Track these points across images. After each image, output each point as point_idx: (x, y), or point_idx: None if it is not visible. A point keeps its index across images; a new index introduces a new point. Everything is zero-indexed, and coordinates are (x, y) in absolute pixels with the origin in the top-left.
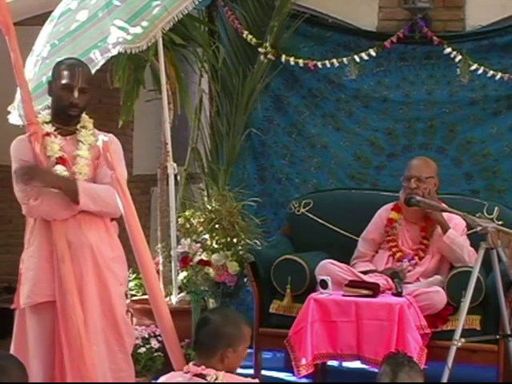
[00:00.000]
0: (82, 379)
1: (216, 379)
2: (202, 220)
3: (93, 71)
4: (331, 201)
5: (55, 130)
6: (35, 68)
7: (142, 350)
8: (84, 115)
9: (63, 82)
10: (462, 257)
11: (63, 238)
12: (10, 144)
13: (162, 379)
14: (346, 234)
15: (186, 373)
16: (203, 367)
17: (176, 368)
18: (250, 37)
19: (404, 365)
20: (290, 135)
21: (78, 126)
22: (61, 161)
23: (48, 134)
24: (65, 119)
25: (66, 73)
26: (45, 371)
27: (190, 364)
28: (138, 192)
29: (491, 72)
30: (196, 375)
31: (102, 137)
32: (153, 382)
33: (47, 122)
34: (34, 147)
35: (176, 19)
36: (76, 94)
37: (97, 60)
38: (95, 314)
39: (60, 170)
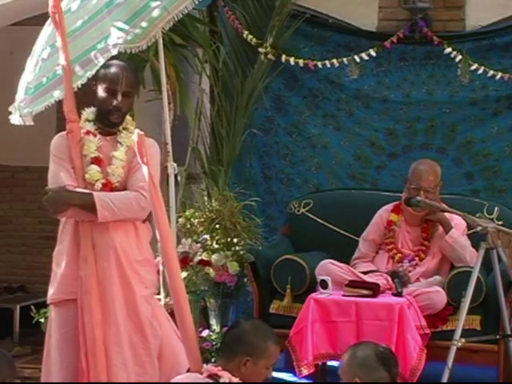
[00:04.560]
0: (93, 379)
1: (229, 382)
2: (202, 220)
3: (93, 71)
4: (331, 201)
5: (97, 129)
6: (35, 69)
7: None
8: (128, 117)
9: (107, 85)
10: (464, 256)
11: (88, 239)
12: (10, 144)
13: (176, 379)
14: (346, 233)
15: (202, 373)
16: (220, 368)
17: (192, 369)
18: (250, 37)
19: (394, 359)
20: (291, 135)
21: (120, 128)
22: (96, 161)
23: (88, 133)
24: (107, 124)
25: (110, 76)
26: (67, 369)
27: (209, 364)
28: None
29: (491, 72)
30: (210, 375)
31: (138, 130)
32: (161, 382)
33: (89, 120)
34: (69, 145)
35: (176, 19)
36: (119, 97)
37: (97, 60)
38: (119, 315)
39: (94, 169)
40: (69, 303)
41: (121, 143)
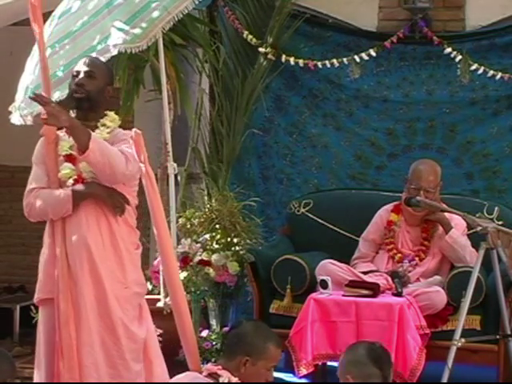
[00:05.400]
0: (62, 379)
1: (228, 381)
2: (202, 220)
3: None
4: (331, 201)
5: None
6: (35, 70)
7: None
8: (111, 115)
9: (74, 70)
10: (464, 257)
11: (61, 237)
12: (10, 144)
13: (175, 378)
14: (346, 233)
15: (202, 373)
16: (219, 367)
17: (191, 368)
18: (250, 37)
19: (387, 356)
20: (291, 135)
21: (99, 124)
22: (69, 158)
23: (65, 133)
24: (76, 107)
25: (76, 65)
26: (47, 369)
27: (209, 363)
28: (138, 192)
29: (491, 72)
30: (210, 374)
31: (135, 129)
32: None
33: None
34: (43, 147)
35: (176, 19)
36: (81, 75)
37: None
38: (90, 315)
39: (66, 167)
40: (48, 302)
41: None
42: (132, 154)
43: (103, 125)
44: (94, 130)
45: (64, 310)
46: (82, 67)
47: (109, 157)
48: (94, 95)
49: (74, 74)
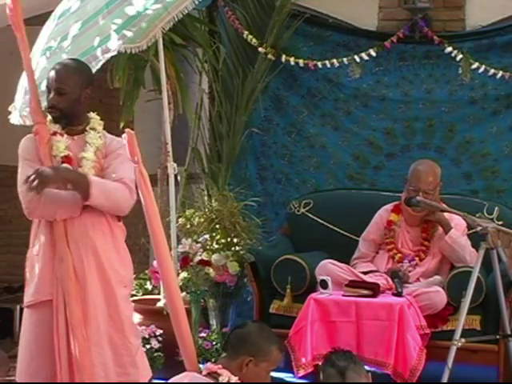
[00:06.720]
0: (74, 379)
1: (228, 381)
2: (202, 220)
3: (93, 71)
4: (331, 201)
5: (63, 129)
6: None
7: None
8: (95, 116)
9: (46, 84)
10: (464, 257)
11: (63, 239)
12: (10, 144)
13: (174, 378)
14: (346, 233)
15: (201, 372)
16: (220, 366)
17: (188, 368)
18: (250, 37)
19: (348, 362)
20: (290, 135)
21: (88, 127)
22: (66, 160)
23: (55, 134)
24: (56, 122)
25: (48, 75)
26: (45, 370)
27: (209, 363)
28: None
29: (492, 71)
30: (210, 373)
31: (128, 130)
32: (156, 381)
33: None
34: (37, 147)
35: (176, 19)
36: (51, 95)
37: (97, 60)
38: (99, 315)
39: None
40: (45, 304)
41: (89, 144)
42: (131, 178)
43: (92, 128)
44: (82, 133)
45: (75, 312)
46: (49, 83)
47: (112, 195)
48: (69, 110)
49: (46, 87)
